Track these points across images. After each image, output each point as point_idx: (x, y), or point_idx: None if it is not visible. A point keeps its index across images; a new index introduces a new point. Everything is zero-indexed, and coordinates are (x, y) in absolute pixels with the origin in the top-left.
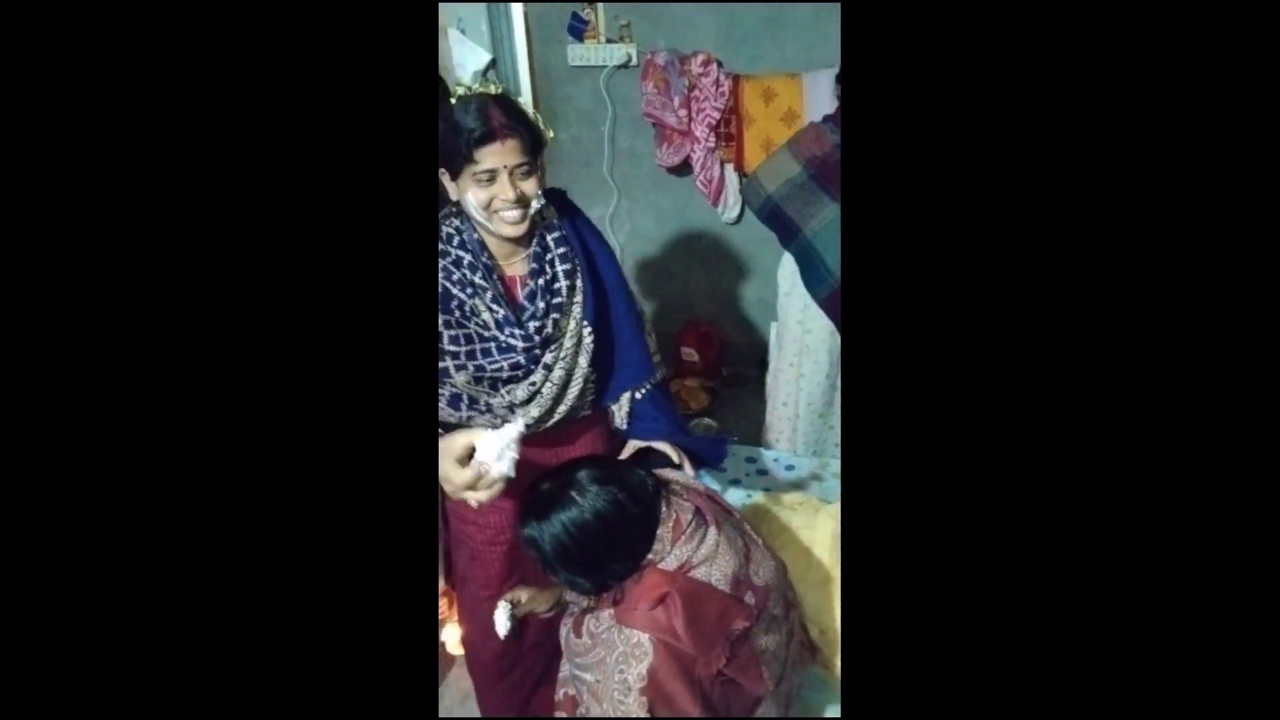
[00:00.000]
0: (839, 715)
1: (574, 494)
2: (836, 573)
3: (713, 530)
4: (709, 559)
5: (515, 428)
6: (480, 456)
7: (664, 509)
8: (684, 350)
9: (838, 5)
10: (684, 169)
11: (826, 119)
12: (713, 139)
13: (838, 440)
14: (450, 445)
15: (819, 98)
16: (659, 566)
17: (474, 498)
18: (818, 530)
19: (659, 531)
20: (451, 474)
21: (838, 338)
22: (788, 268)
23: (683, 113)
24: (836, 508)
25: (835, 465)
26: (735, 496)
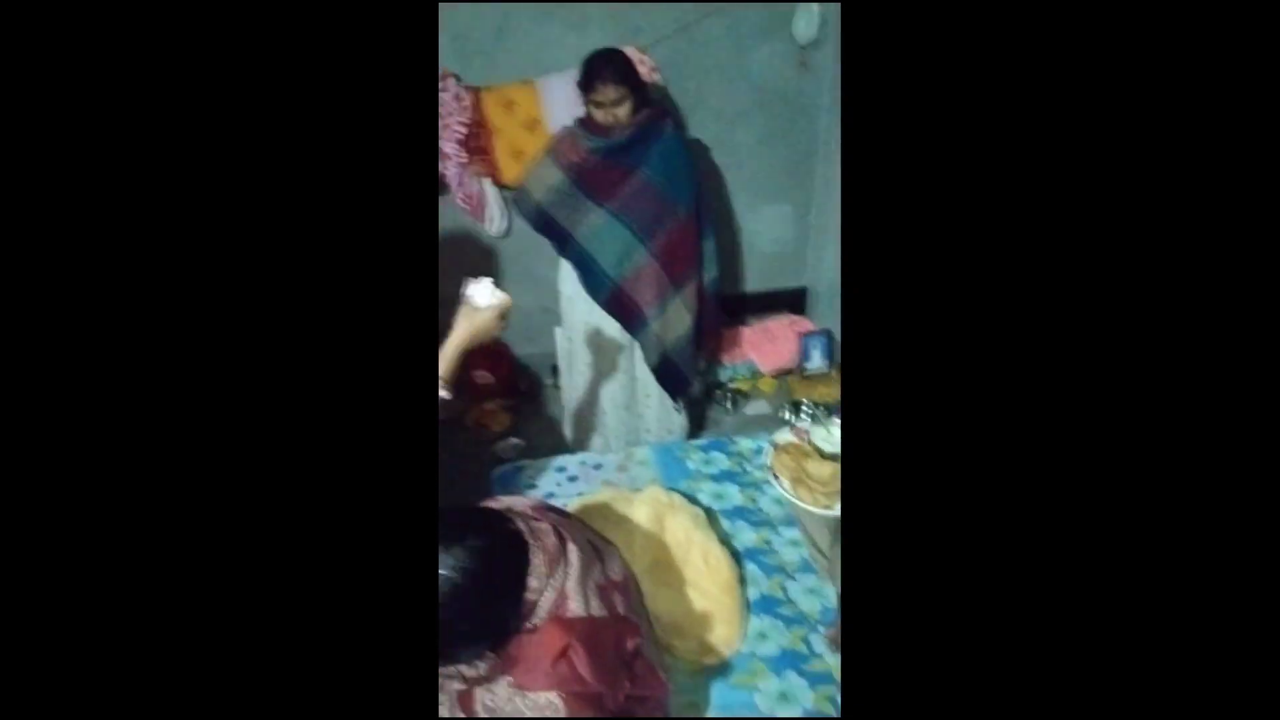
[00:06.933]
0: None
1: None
2: (660, 554)
3: (570, 545)
4: (577, 577)
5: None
6: (484, 301)
7: (529, 540)
8: (477, 374)
9: (567, 5)
10: (440, 188)
11: (580, 123)
12: (464, 154)
13: (648, 427)
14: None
15: (556, 101)
16: (539, 605)
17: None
18: (635, 518)
19: (534, 563)
20: (485, 323)
21: (627, 335)
22: (566, 273)
23: None
24: (648, 492)
25: (641, 452)
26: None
